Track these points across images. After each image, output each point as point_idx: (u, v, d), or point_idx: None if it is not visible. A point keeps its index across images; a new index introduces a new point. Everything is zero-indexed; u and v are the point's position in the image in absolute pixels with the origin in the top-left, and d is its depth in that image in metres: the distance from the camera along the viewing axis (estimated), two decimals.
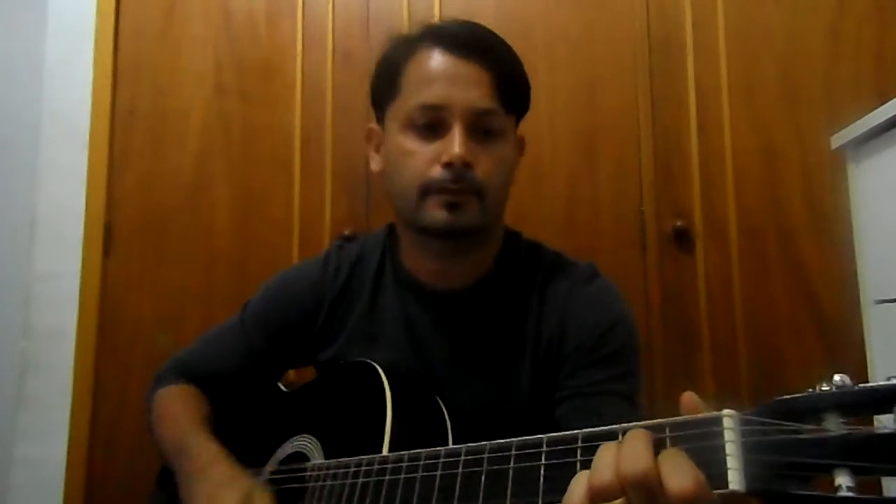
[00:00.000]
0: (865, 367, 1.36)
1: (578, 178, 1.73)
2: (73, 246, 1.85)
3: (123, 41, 1.93)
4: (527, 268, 0.94)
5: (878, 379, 0.44)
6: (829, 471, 0.43)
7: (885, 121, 1.27)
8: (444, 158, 0.83)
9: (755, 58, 1.73)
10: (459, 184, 0.83)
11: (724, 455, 0.45)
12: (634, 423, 0.50)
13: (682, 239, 1.69)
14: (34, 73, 1.92)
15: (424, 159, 0.85)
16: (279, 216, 1.83)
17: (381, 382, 0.82)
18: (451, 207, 0.84)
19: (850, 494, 0.41)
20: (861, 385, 0.44)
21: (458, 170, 0.83)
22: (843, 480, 0.42)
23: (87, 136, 1.89)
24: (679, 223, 1.69)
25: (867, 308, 1.38)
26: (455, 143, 0.83)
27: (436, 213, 0.84)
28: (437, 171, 0.84)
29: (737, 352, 1.64)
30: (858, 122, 1.36)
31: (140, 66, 1.93)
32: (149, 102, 1.91)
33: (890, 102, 1.25)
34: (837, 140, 1.46)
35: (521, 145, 0.98)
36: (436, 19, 1.81)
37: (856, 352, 1.40)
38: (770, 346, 1.63)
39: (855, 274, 1.43)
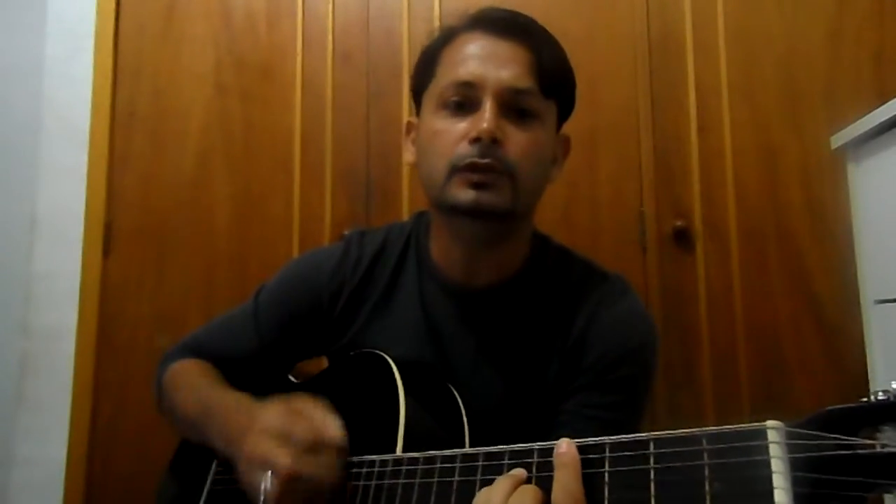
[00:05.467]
0: (865, 368, 1.36)
1: (578, 178, 1.73)
2: (73, 246, 1.85)
3: (123, 41, 1.93)
4: (556, 272, 0.92)
5: (878, 380, 0.42)
6: (889, 491, 0.39)
7: (885, 121, 1.27)
8: (472, 134, 0.81)
9: (755, 58, 1.73)
10: (486, 159, 0.80)
11: (770, 472, 0.41)
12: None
13: (682, 239, 1.69)
14: (34, 73, 1.92)
15: (453, 137, 0.83)
16: (279, 216, 1.83)
17: (393, 376, 0.80)
18: (479, 186, 0.81)
19: None
20: None
21: (486, 145, 0.80)
22: None
23: (87, 136, 1.88)
24: (679, 223, 1.69)
25: (867, 308, 1.38)
26: (483, 118, 0.81)
27: (462, 191, 0.81)
28: (464, 148, 0.82)
29: (737, 352, 1.64)
30: (858, 122, 1.36)
31: (140, 66, 1.92)
32: (149, 102, 1.91)
33: (890, 102, 1.25)
34: (837, 140, 1.45)
35: (565, 145, 0.94)
36: (435, 19, 1.82)
37: (856, 352, 1.40)
38: (770, 346, 1.63)
39: (855, 274, 1.43)
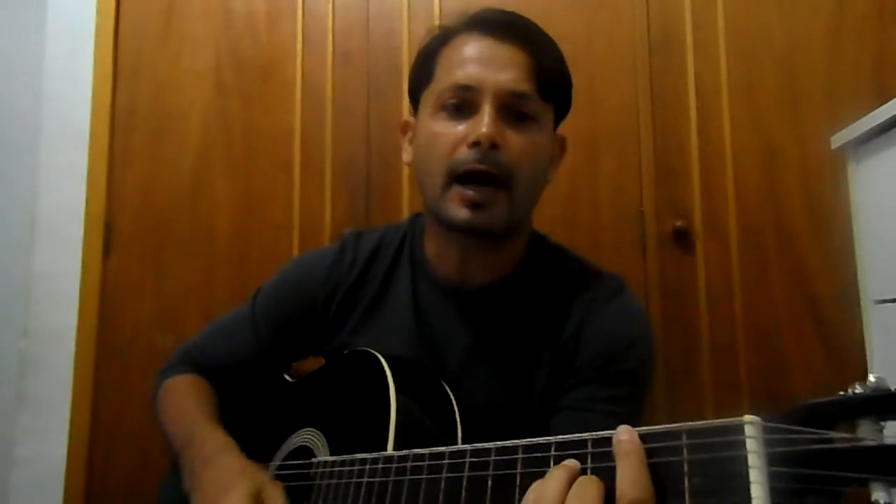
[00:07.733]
0: (865, 368, 1.36)
1: (579, 177, 1.73)
2: (73, 246, 1.85)
3: (123, 41, 1.93)
4: (551, 272, 0.92)
5: None
6: (864, 484, 0.38)
7: (885, 121, 1.27)
8: (471, 138, 0.81)
9: (755, 58, 1.73)
10: (485, 164, 0.80)
11: (747, 467, 0.40)
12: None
13: (682, 239, 1.69)
14: (34, 73, 1.92)
15: (452, 140, 0.83)
16: (279, 216, 1.83)
17: (385, 374, 0.79)
18: (475, 206, 0.81)
19: None
20: None
21: (485, 150, 0.80)
22: (880, 496, 0.38)
23: (87, 136, 1.88)
24: (679, 223, 1.69)
25: (867, 308, 1.38)
26: (483, 122, 0.80)
27: (458, 209, 0.82)
28: (463, 152, 0.82)
29: (737, 352, 1.64)
30: (858, 122, 1.36)
31: (140, 66, 1.92)
32: (149, 102, 1.91)
33: (890, 102, 1.25)
34: (837, 140, 1.45)
35: (561, 145, 0.95)
36: (435, 19, 1.82)
37: (856, 352, 1.40)
38: (770, 346, 1.63)
39: (855, 274, 1.43)
